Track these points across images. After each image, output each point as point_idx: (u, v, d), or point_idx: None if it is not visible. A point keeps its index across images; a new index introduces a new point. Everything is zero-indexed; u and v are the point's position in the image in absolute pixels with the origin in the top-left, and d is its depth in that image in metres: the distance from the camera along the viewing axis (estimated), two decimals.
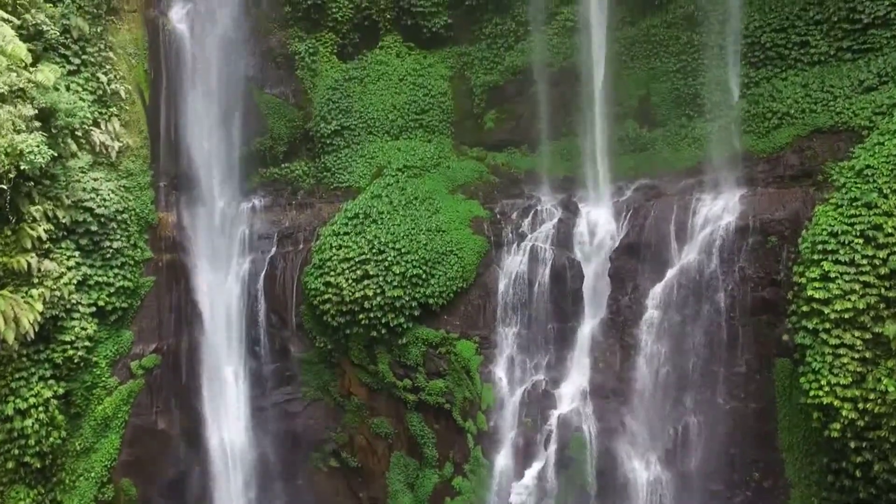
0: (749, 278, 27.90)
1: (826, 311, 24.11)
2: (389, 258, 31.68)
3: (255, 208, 36.44)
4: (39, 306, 26.52)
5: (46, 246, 27.70)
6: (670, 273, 29.45)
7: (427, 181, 35.42)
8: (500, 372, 31.91)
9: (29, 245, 26.75)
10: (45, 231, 27.44)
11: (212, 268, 34.77)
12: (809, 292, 24.46)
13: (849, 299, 23.72)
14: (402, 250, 31.83)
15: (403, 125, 38.49)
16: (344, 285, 31.83)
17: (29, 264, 26.55)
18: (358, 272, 31.83)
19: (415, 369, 32.59)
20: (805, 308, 24.79)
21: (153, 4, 35.29)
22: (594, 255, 32.02)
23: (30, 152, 25.10)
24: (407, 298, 31.65)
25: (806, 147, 29.44)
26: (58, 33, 28.72)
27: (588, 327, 31.00)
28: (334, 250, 32.55)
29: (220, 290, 34.88)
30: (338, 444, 34.90)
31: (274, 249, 35.45)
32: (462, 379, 31.97)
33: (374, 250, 31.95)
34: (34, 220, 27.00)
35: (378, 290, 31.50)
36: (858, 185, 24.91)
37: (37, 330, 26.39)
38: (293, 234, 35.57)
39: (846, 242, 24.27)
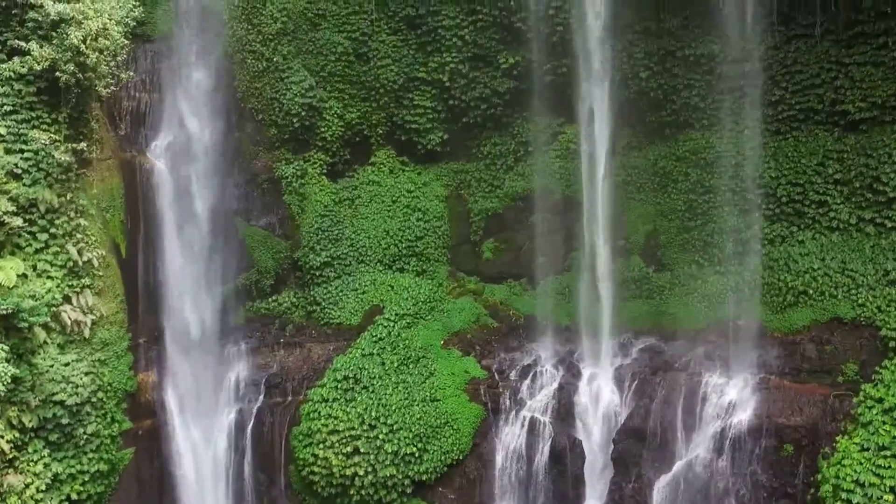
0: (762, 486, 26.09)
1: None
2: (381, 435, 29.89)
3: (241, 352, 34.51)
4: None
5: (10, 456, 25.87)
6: (677, 466, 27.66)
7: (421, 332, 33.53)
8: None
9: None
10: (10, 441, 25.65)
11: (196, 423, 32.89)
12: None
13: None
14: (395, 426, 30.05)
15: (397, 253, 36.54)
16: (333, 461, 30.08)
17: None
18: (348, 448, 30.07)
19: None
20: None
21: (129, 143, 33.29)
22: (596, 429, 30.27)
23: None
24: (400, 477, 29.94)
25: (825, 339, 27.41)
26: (21, 222, 26.69)
27: None
28: (323, 420, 30.74)
29: (206, 445, 33.13)
30: None
31: (261, 399, 33.59)
32: None
33: (364, 425, 30.14)
34: None
35: (369, 469, 29.77)
36: (887, 429, 22.72)
37: None
38: (281, 384, 33.69)
39: (874, 497, 22.12)
